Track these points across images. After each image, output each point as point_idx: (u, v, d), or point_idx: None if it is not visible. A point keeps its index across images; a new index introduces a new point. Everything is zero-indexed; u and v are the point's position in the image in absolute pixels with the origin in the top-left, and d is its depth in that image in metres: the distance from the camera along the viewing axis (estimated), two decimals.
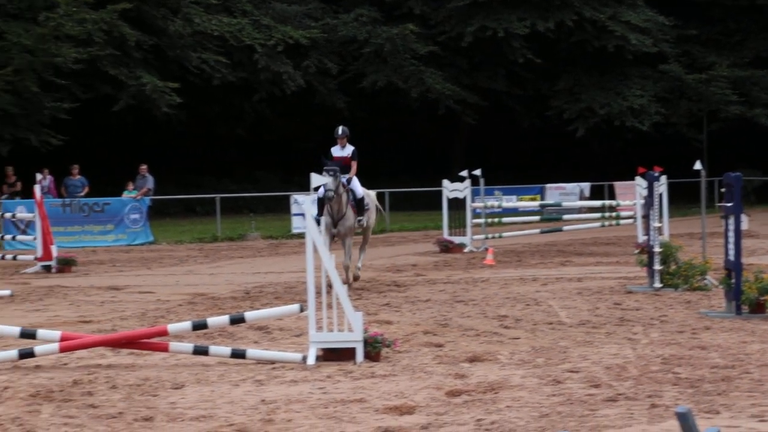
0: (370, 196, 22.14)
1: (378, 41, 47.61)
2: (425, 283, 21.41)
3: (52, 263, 24.97)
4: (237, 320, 13.28)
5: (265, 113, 47.55)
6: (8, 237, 28.96)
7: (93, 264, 27.18)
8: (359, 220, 20.99)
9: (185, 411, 10.23)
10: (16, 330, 13.11)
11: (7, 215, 29.38)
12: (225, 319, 13.40)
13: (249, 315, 13.71)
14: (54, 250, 25.28)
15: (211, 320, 13.47)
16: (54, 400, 10.87)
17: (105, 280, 23.39)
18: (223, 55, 44.49)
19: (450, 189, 29.77)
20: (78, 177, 35.95)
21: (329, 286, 12.43)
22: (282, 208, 36.55)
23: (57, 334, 12.94)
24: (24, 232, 29.80)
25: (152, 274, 24.87)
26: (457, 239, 29.13)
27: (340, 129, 21.28)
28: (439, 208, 30.40)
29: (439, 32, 49.03)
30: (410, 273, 23.74)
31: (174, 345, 12.81)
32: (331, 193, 19.46)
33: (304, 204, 33.89)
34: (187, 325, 13.27)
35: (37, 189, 26.69)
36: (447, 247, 28.69)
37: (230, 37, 44.63)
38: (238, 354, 12.61)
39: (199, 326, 13.17)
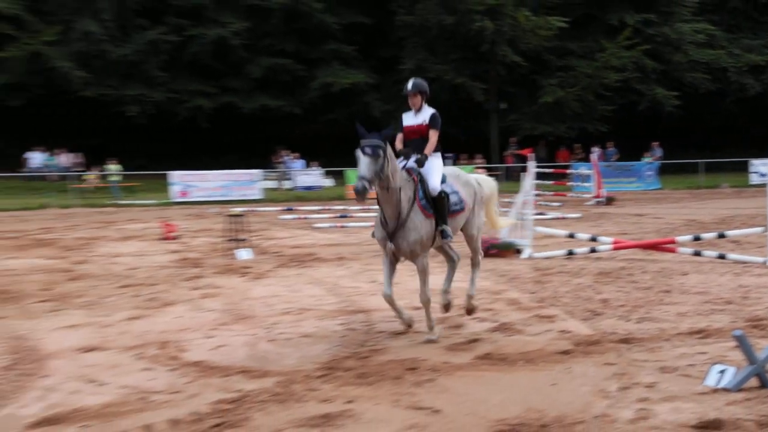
0: (469, 185, 8.32)
1: None
2: None
3: (602, 200, 24.86)
4: (721, 236, 12.61)
5: (732, 110, 44.24)
6: (575, 184, 29.17)
7: (625, 200, 26.69)
8: (442, 231, 7.64)
9: (690, 288, 9.97)
10: (587, 236, 13.29)
11: (574, 171, 29.63)
12: (713, 234, 12.76)
13: (728, 233, 12.98)
14: (603, 192, 25.21)
15: (704, 234, 12.88)
16: (610, 276, 10.94)
17: (632, 209, 22.94)
18: (706, 74, 41.90)
19: None
20: (612, 149, 35.61)
21: None
22: (743, 168, 34.08)
23: (610, 239, 12.98)
24: (584, 182, 29.84)
25: (661, 207, 24.05)
26: None
27: (410, 83, 7.88)
28: None
29: None
30: None
31: (680, 249, 12.41)
32: (361, 185, 6.92)
33: (758, 165, 31.70)
34: (689, 237, 12.76)
35: (593, 156, 26.99)
36: None
37: (712, 62, 41.97)
38: (721, 256, 12.05)
39: (696, 238, 12.62)
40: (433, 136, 7.79)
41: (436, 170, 7.81)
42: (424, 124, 7.83)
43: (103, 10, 35.50)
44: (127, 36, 36.28)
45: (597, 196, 25.17)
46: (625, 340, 7.28)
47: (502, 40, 37.38)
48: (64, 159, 33.35)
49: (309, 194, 30.36)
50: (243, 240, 13.84)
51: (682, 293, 9.58)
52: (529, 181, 13.61)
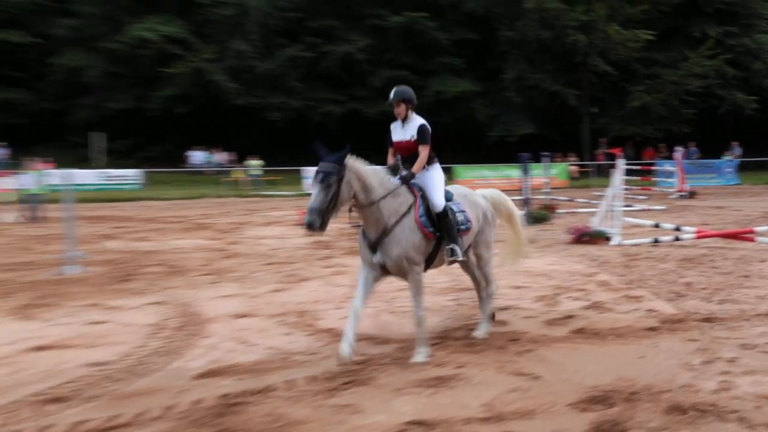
0: (477, 205, 6.57)
1: None
2: None
3: (685, 194, 23.86)
4: None
5: None
6: (660, 179, 27.93)
7: (706, 194, 25.42)
8: (450, 250, 5.97)
9: None
10: (671, 226, 12.76)
11: (659, 168, 28.35)
12: None
13: None
14: (686, 186, 24.20)
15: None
16: (692, 262, 10.43)
17: (713, 203, 21.82)
18: None
19: None
20: (693, 148, 34.06)
21: None
22: None
23: (693, 229, 12.41)
24: (668, 177, 28.62)
25: (740, 200, 22.78)
26: None
27: (393, 91, 6.13)
28: None
29: None
30: None
31: (759, 238, 11.69)
32: (310, 219, 5.33)
33: None
34: (767, 227, 12.05)
35: (677, 155, 26.00)
36: None
37: None
38: None
39: None
40: (423, 151, 6.12)
41: (438, 185, 6.16)
42: (413, 140, 6.17)
43: (252, 32, 36.63)
44: (271, 53, 37.26)
45: (680, 191, 24.16)
46: (708, 319, 6.97)
47: (594, 52, 36.63)
48: (220, 157, 34.64)
49: None
50: None
51: (761, 278, 9.08)
52: (618, 176, 13.25)
